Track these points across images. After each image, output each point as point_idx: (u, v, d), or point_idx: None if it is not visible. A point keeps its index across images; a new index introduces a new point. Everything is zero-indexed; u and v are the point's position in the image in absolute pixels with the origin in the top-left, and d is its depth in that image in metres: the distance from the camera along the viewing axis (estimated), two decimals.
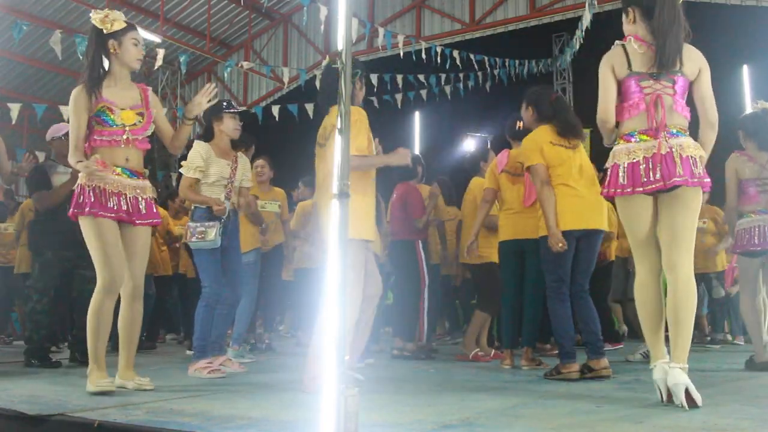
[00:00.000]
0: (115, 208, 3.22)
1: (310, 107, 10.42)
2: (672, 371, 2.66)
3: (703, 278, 6.95)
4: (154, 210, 3.41)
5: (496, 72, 11.92)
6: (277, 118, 10.40)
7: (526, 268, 4.52)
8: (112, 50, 3.32)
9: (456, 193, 6.49)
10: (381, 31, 10.05)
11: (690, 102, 2.95)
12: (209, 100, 3.58)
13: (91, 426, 2.30)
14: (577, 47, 10.51)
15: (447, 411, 2.68)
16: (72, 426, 2.37)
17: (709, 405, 2.71)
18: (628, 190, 2.80)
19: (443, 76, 11.61)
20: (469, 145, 13.29)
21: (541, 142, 4.04)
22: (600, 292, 5.61)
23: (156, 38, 11.98)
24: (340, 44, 2.19)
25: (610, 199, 3.16)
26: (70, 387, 3.34)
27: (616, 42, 2.97)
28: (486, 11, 13.10)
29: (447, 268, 6.47)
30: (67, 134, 4.85)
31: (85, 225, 3.23)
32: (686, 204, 2.78)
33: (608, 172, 2.91)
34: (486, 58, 11.44)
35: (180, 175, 4.31)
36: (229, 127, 4.34)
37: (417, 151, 12.46)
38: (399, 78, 10.98)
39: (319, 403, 1.92)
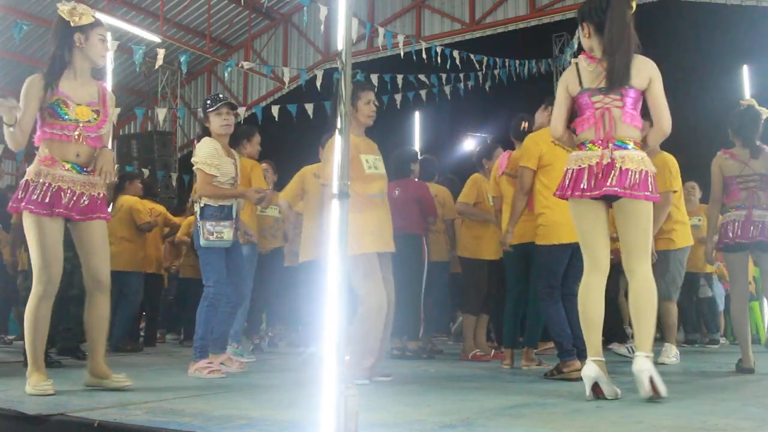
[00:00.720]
0: (62, 203, 3.12)
1: (309, 107, 10.42)
2: (636, 358, 2.80)
3: (693, 278, 6.95)
4: (101, 205, 3.30)
5: (496, 72, 11.92)
6: (276, 118, 10.40)
7: (531, 270, 4.52)
8: (78, 44, 3.23)
9: None
10: (381, 31, 10.05)
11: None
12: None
13: (91, 426, 2.30)
14: (577, 47, 10.51)
15: (447, 411, 2.68)
16: (72, 426, 2.37)
17: (709, 405, 2.72)
18: (568, 193, 3.02)
19: (443, 76, 11.61)
20: (469, 145, 13.29)
21: (541, 143, 4.11)
22: (610, 291, 5.61)
23: (156, 38, 11.98)
24: (340, 44, 2.19)
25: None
26: (70, 387, 3.34)
27: (572, 60, 3.16)
28: (486, 11, 13.09)
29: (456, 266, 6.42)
30: None
31: (26, 222, 3.12)
32: (631, 214, 2.96)
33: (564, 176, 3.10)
34: (486, 58, 11.44)
35: (180, 175, 4.25)
36: (215, 125, 4.22)
37: (417, 150, 12.44)
38: (399, 78, 10.98)
39: (319, 403, 1.92)
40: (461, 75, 11.90)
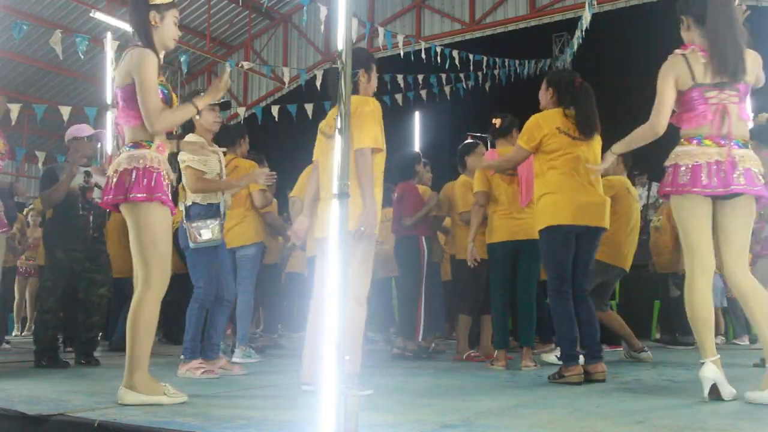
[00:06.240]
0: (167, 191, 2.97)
1: (309, 107, 10.42)
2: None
3: (666, 277, 6.89)
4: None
5: (496, 72, 11.92)
6: (276, 118, 10.40)
7: (519, 268, 4.52)
8: (153, 22, 2.96)
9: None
10: (381, 31, 10.04)
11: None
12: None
13: (91, 426, 2.30)
14: (577, 47, 10.51)
15: (447, 411, 2.68)
16: (72, 426, 2.37)
17: (709, 405, 2.71)
18: (687, 189, 2.88)
19: (443, 76, 11.61)
20: None
21: (544, 126, 3.80)
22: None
23: None
24: (340, 44, 2.19)
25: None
26: (71, 387, 3.34)
27: (676, 51, 2.99)
28: (486, 11, 13.09)
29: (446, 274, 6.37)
30: (90, 136, 4.78)
31: (152, 212, 2.89)
32: (748, 213, 2.92)
33: (667, 171, 2.98)
34: (486, 58, 11.44)
35: (180, 175, 4.17)
36: (208, 120, 4.15)
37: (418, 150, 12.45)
38: (399, 78, 10.98)
39: (319, 403, 1.92)
40: (461, 75, 11.91)
